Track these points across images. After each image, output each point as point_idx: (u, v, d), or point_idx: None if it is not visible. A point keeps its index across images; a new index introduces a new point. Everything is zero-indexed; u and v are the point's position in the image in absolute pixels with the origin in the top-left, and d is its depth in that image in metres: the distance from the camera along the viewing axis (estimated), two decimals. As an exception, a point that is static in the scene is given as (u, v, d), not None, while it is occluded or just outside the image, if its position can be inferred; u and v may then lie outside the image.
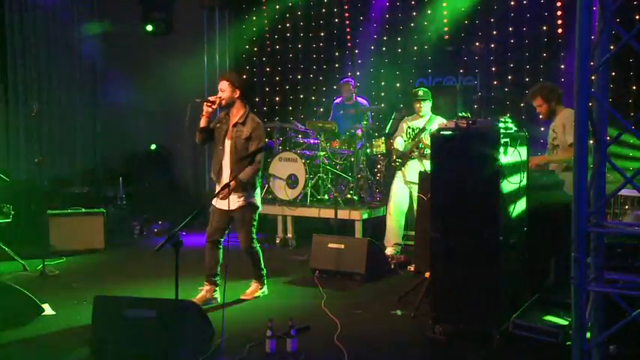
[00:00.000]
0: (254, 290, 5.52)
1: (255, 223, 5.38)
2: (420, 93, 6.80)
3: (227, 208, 5.02)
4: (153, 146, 10.24)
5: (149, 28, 10.02)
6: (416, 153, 6.73)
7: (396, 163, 6.89)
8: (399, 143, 6.89)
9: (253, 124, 5.24)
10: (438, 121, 6.61)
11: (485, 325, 4.26)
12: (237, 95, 5.25)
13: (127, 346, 3.93)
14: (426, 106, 6.75)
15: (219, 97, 5.23)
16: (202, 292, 5.35)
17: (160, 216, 9.19)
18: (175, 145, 10.23)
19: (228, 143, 5.26)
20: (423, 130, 6.64)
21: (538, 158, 5.57)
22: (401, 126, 7.01)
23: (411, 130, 6.81)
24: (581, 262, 2.85)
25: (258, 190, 5.37)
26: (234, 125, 5.25)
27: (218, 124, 5.34)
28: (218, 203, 5.24)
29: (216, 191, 5.13)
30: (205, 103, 5.22)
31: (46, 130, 9.58)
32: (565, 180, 5.31)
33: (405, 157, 6.75)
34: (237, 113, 5.28)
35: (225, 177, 5.17)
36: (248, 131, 5.20)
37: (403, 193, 6.80)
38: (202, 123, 5.29)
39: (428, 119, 6.74)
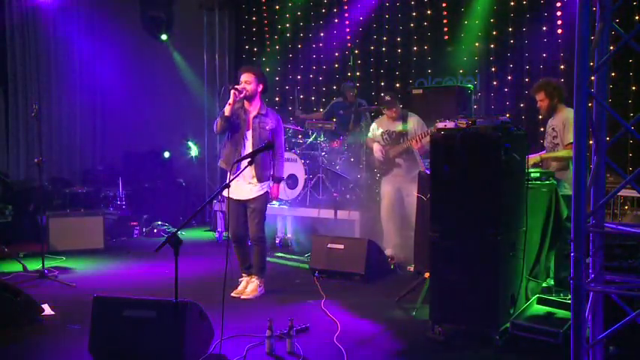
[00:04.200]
0: (254, 289, 5.54)
1: (266, 212, 5.56)
2: (388, 98, 6.64)
3: (247, 198, 5.29)
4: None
5: (164, 37, 9.98)
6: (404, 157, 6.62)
7: (382, 170, 6.84)
8: (379, 150, 6.69)
9: (276, 117, 5.51)
10: (414, 119, 6.57)
11: (485, 326, 4.26)
12: (261, 89, 5.44)
13: (126, 347, 3.92)
14: (397, 111, 6.65)
15: (245, 89, 5.33)
16: (243, 283, 5.62)
17: (159, 216, 9.20)
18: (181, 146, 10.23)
19: (249, 134, 5.39)
20: (404, 133, 6.56)
21: (536, 157, 5.58)
22: (374, 130, 6.87)
23: (387, 136, 6.72)
24: (581, 262, 2.85)
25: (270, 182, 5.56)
26: (256, 117, 5.40)
27: (235, 116, 5.42)
28: (236, 195, 5.32)
29: (228, 181, 5.30)
30: (233, 91, 5.30)
31: (46, 130, 9.59)
32: (562, 179, 5.32)
33: (391, 163, 6.68)
34: (256, 106, 5.44)
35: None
36: (273, 123, 5.43)
37: (394, 194, 6.77)
38: (227, 111, 5.34)
39: (402, 120, 6.65)
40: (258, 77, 5.42)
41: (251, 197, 5.40)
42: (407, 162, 6.66)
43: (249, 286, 5.56)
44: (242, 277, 5.67)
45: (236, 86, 5.35)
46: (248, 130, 5.39)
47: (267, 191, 5.48)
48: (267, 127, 5.39)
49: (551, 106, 5.55)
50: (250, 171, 5.28)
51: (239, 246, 5.60)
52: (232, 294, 5.49)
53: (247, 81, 5.37)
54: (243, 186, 5.38)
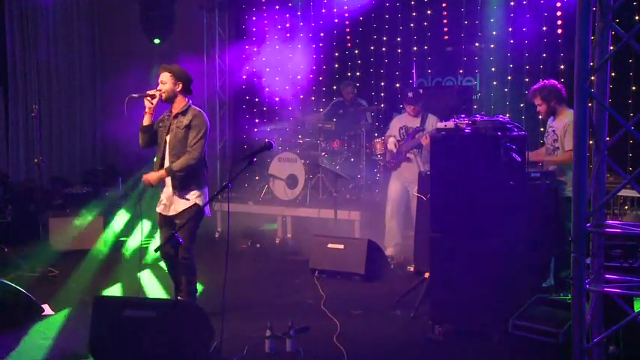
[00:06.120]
0: None
1: (197, 230, 4.82)
2: (410, 95, 6.67)
3: (171, 214, 4.69)
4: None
5: (156, 41, 9.95)
6: (416, 152, 6.67)
7: (391, 164, 6.86)
8: (392, 143, 6.80)
9: (194, 112, 4.78)
10: (433, 120, 6.59)
11: (485, 325, 4.26)
12: (180, 89, 4.79)
13: (126, 346, 3.92)
14: (417, 108, 6.72)
15: (159, 91, 4.77)
16: None
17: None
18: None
19: (168, 138, 4.79)
20: (420, 130, 6.60)
21: (537, 155, 5.57)
22: (393, 125, 6.97)
23: (404, 131, 6.75)
24: (581, 262, 2.85)
25: (205, 192, 4.81)
26: (175, 117, 4.80)
27: (161, 124, 4.88)
28: (162, 209, 4.82)
29: (161, 197, 4.84)
30: (145, 98, 4.77)
31: (46, 130, 9.59)
32: (563, 181, 5.32)
33: (402, 157, 6.71)
34: (178, 107, 4.80)
35: (167, 179, 4.79)
36: (188, 120, 4.74)
37: (401, 193, 6.78)
38: (145, 121, 4.81)
39: (422, 118, 6.69)
40: (175, 75, 4.77)
41: (179, 211, 4.72)
42: (418, 159, 6.68)
43: None
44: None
45: (147, 92, 4.78)
46: (168, 134, 4.80)
47: (196, 203, 4.71)
48: (181, 126, 4.74)
49: (550, 108, 5.54)
50: (171, 181, 4.75)
51: (169, 268, 4.88)
52: None
53: (162, 81, 4.77)
54: (172, 199, 4.78)
